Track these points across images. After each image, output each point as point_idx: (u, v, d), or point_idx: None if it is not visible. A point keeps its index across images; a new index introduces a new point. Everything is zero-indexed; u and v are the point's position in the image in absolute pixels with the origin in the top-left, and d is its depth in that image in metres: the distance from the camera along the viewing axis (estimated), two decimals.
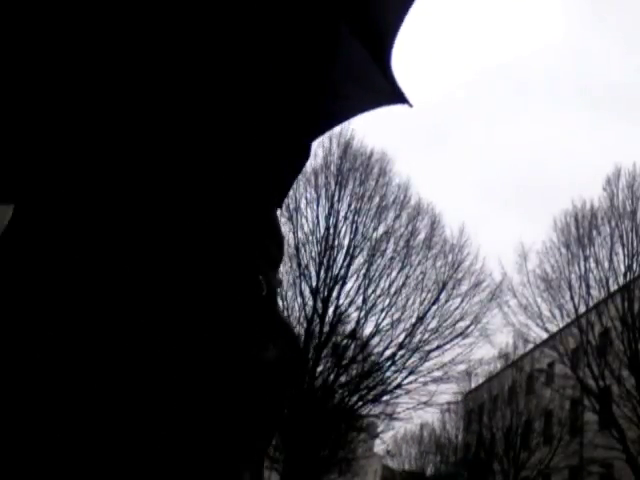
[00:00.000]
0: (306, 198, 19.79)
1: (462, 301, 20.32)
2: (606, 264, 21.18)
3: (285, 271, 19.45)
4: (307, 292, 19.33)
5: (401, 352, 19.82)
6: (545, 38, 77.78)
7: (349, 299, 19.54)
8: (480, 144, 57.86)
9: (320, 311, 19.24)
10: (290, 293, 19.37)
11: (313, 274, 19.35)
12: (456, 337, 20.15)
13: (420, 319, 19.84)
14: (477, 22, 77.75)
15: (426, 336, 19.92)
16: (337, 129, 18.07)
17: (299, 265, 19.31)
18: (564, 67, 63.72)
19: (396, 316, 19.73)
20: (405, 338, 19.83)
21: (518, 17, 77.86)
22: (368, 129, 33.95)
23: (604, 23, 67.39)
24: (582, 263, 21.73)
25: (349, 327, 19.92)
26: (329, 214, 19.59)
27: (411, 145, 61.00)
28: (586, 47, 69.68)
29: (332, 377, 19.66)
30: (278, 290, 1.04)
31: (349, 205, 19.76)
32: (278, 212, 1.05)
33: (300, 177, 19.96)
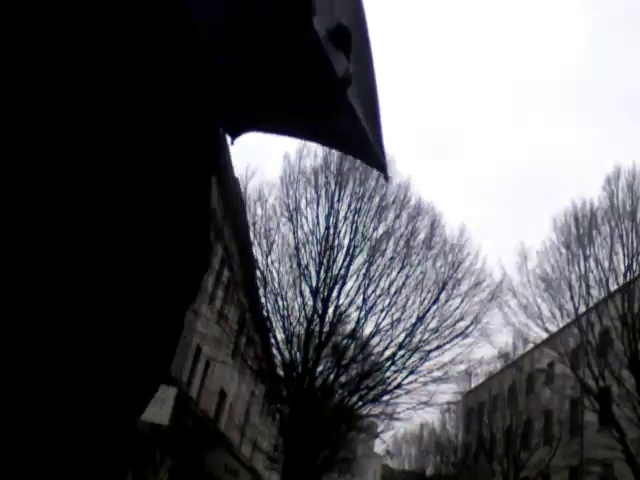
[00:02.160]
0: (306, 198, 19.78)
1: (462, 301, 20.29)
2: (606, 264, 21.18)
3: (285, 271, 19.45)
4: (307, 292, 19.31)
5: (401, 352, 19.81)
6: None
7: (349, 299, 19.52)
8: (480, 146, 57.87)
9: (320, 311, 19.21)
10: (290, 293, 19.36)
11: (313, 274, 19.33)
12: (456, 337, 20.11)
13: (420, 319, 19.81)
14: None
15: (426, 336, 19.90)
16: None
17: (299, 265, 19.29)
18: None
19: (396, 316, 19.72)
20: (405, 338, 19.82)
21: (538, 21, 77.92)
22: None
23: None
24: (582, 263, 21.73)
25: (349, 327, 19.90)
26: (329, 214, 19.56)
27: (410, 145, 61.06)
28: None
29: (332, 377, 19.64)
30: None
31: (349, 205, 19.72)
32: None
33: (300, 177, 19.95)
